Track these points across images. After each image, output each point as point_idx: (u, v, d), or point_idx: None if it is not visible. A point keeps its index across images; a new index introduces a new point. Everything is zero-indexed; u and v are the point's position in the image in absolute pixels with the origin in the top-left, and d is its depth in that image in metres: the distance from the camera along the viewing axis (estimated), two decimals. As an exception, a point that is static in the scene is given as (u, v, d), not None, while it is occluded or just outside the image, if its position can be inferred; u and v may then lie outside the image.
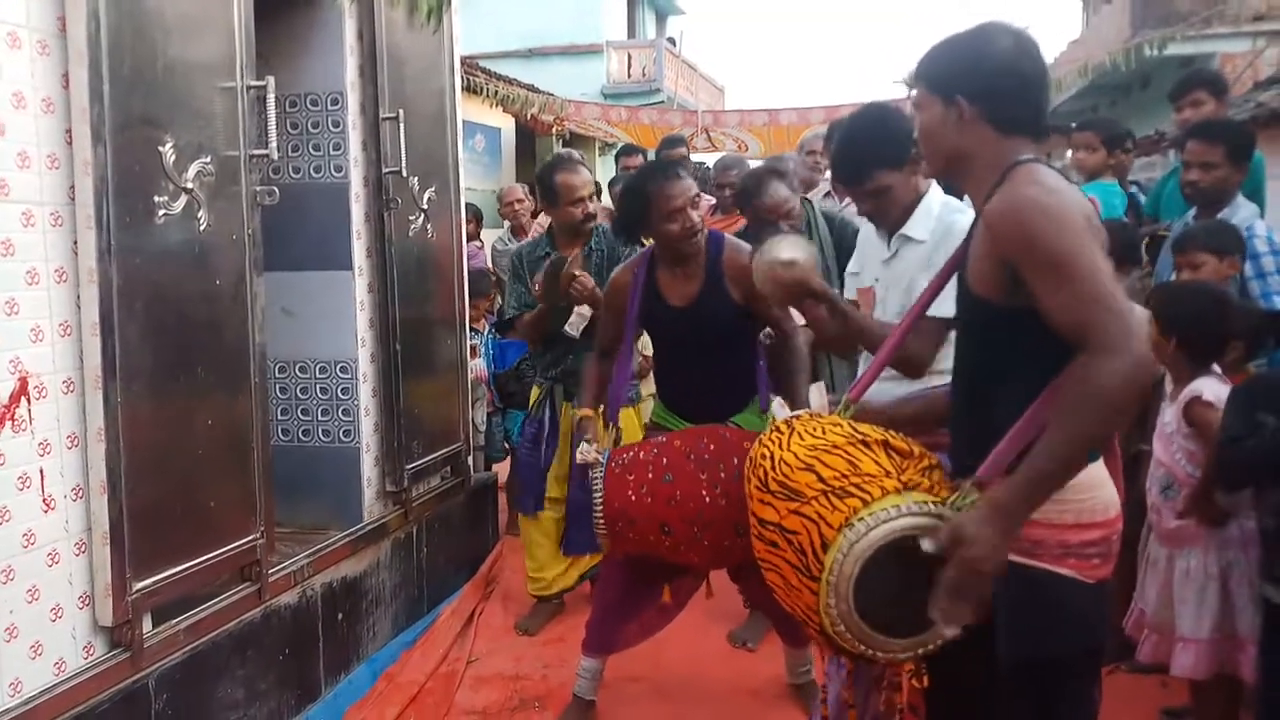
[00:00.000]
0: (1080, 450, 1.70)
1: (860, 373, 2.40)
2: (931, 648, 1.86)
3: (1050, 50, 22.54)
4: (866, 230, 3.00)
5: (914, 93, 2.02)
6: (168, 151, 2.65)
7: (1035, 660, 1.83)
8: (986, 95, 1.85)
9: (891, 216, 2.68)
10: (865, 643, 1.84)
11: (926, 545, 1.75)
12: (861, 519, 1.79)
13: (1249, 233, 3.46)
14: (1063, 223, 1.70)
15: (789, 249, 2.50)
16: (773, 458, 1.97)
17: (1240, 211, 3.58)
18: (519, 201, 6.44)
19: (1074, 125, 5.41)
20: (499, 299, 5.49)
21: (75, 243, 2.45)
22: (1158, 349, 2.96)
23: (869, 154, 2.58)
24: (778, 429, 2.05)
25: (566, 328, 4.01)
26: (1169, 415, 2.96)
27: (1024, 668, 1.84)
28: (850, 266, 3.06)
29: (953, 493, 1.83)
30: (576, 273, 3.85)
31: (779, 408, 2.23)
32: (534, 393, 4.30)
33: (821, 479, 1.87)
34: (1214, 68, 13.39)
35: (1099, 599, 1.86)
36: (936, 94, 1.92)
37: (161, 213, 2.64)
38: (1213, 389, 2.85)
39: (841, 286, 3.18)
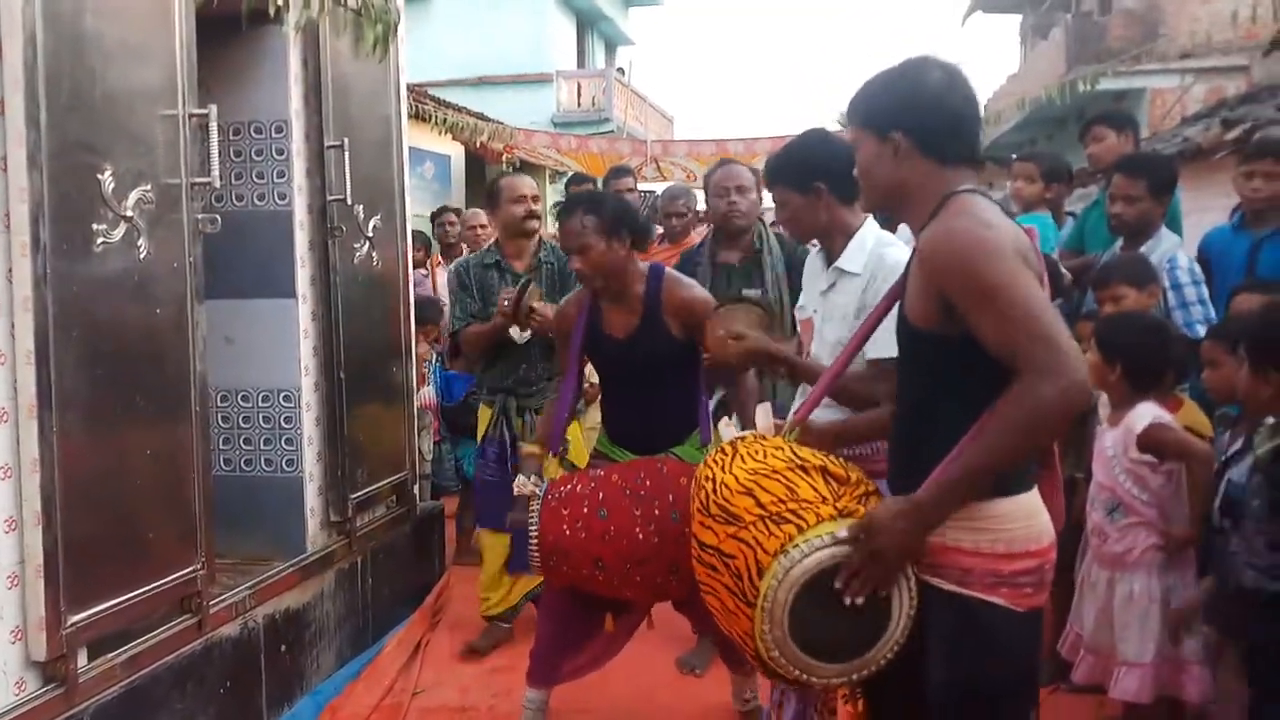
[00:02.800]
0: (999, 463, 1.76)
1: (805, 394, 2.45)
2: (865, 673, 1.88)
3: (990, 84, 23.13)
4: (810, 260, 3.05)
5: (849, 130, 2.07)
6: (107, 179, 2.63)
7: (967, 689, 1.85)
8: (921, 129, 1.90)
9: (798, 233, 2.86)
10: (799, 668, 1.86)
11: (841, 533, 1.80)
12: (796, 545, 1.82)
13: (1171, 264, 3.57)
14: (995, 253, 1.74)
15: (739, 322, 2.63)
16: (715, 480, 1.99)
17: (1164, 243, 3.70)
18: (481, 227, 6.47)
19: (1015, 156, 5.56)
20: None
21: (10, 270, 2.42)
22: (1099, 375, 3.04)
23: (776, 166, 2.73)
24: (723, 450, 2.07)
25: (511, 331, 4.01)
26: (1110, 440, 3.03)
27: (956, 696, 1.86)
28: (800, 300, 3.11)
29: None
30: (535, 305, 3.87)
31: (725, 428, 2.26)
32: (484, 414, 4.26)
33: (760, 504, 1.89)
34: (1145, 103, 13.88)
35: (1032, 628, 1.89)
36: (871, 130, 1.96)
37: (100, 240, 2.62)
38: (1156, 414, 2.93)
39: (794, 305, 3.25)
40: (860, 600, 1.81)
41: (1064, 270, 3.82)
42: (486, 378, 4.30)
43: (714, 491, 1.98)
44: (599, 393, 3.72)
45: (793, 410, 2.46)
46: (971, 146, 1.95)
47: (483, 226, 6.48)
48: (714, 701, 3.64)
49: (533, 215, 4.20)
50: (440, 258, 6.85)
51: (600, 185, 7.14)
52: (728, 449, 2.06)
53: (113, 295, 2.68)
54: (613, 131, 19.16)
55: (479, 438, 4.31)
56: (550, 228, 5.47)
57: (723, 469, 2.00)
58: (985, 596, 1.82)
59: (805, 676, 1.87)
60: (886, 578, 1.82)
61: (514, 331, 4.01)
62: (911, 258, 1.94)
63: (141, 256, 2.76)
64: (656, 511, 2.81)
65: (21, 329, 2.42)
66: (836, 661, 1.86)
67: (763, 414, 2.26)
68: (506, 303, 3.92)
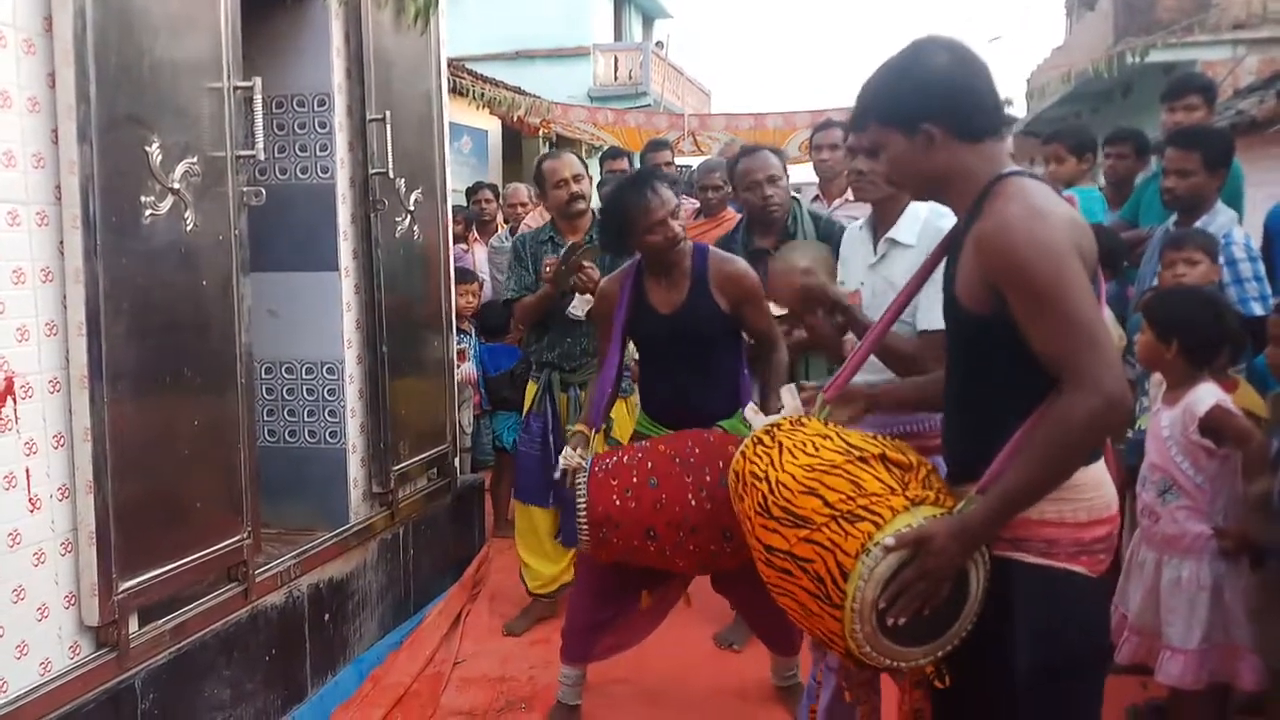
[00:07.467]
0: (1050, 480, 1.75)
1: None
2: (950, 648, 1.86)
3: (1034, 56, 22.68)
4: (850, 235, 3.01)
5: (860, 136, 1.99)
6: (154, 151, 2.65)
7: (1059, 661, 1.83)
8: (948, 114, 1.86)
9: (881, 193, 2.71)
10: (890, 657, 1.83)
11: (889, 542, 1.77)
12: (877, 543, 1.79)
13: (1227, 239, 3.49)
14: (1049, 251, 1.70)
15: (805, 257, 2.54)
16: (769, 480, 1.92)
17: (1219, 218, 3.61)
18: (522, 205, 6.48)
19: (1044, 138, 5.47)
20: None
21: (61, 242, 2.45)
22: (1154, 353, 2.97)
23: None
24: (762, 441, 2.00)
25: (571, 309, 4.02)
26: (1166, 419, 2.96)
27: (1042, 666, 1.83)
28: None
29: (957, 501, 1.84)
30: (586, 264, 3.87)
31: (754, 415, 2.19)
32: (530, 389, 4.28)
33: (828, 504, 1.83)
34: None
35: (1106, 592, 1.91)
36: (895, 127, 1.90)
37: (148, 213, 2.64)
38: (1218, 396, 2.86)
39: None
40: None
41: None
42: (534, 351, 4.30)
43: (771, 492, 1.91)
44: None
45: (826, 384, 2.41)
46: (997, 117, 1.91)
47: (523, 204, 6.47)
48: (752, 677, 3.65)
49: (576, 197, 4.14)
50: (476, 234, 6.84)
51: (639, 159, 7.13)
52: (767, 440, 1.99)
53: (160, 267, 2.71)
54: (650, 105, 19.06)
55: (524, 411, 4.33)
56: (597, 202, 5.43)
57: (773, 465, 1.93)
58: (1069, 566, 1.81)
59: (896, 664, 1.85)
60: (936, 592, 1.79)
61: (575, 308, 4.01)
62: (960, 238, 1.90)
63: (188, 229, 2.79)
64: (708, 478, 2.76)
65: (73, 300, 2.45)
66: (923, 644, 1.84)
67: (788, 395, 2.18)
68: (548, 269, 3.96)
